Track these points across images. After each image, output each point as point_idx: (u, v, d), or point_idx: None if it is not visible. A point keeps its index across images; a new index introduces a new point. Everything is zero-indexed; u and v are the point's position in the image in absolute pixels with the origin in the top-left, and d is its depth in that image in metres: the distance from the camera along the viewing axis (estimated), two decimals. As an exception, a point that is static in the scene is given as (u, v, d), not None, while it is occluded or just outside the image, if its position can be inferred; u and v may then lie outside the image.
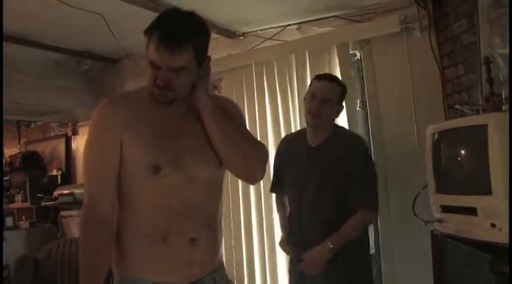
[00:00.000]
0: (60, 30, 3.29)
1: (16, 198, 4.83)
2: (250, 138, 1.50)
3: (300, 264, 2.26)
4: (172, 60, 1.29)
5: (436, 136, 1.96)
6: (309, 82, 3.14)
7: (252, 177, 1.55)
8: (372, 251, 2.60)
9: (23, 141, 5.29)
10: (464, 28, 2.50)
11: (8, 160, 5.08)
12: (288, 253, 2.51)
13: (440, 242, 2.00)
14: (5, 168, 5.00)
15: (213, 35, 1.44)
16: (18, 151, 5.16)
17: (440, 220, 1.91)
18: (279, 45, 3.35)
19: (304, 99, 2.35)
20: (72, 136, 4.84)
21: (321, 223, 2.21)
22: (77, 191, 4.14)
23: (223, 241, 1.54)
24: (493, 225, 1.56)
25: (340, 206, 2.20)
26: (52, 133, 5.08)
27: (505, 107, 1.78)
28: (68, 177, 4.76)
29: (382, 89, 3.08)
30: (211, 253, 1.45)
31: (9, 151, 5.27)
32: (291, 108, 3.30)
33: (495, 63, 1.95)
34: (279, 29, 3.35)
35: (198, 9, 1.38)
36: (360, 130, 3.05)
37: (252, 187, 3.37)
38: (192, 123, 1.43)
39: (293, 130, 3.10)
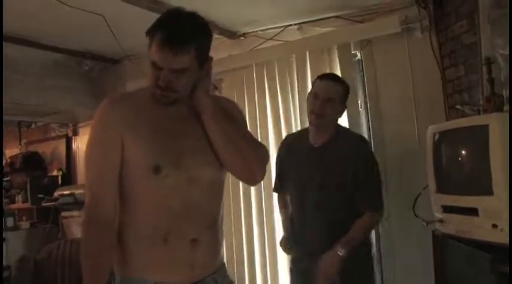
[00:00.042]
0: (61, 31, 3.28)
1: (17, 199, 4.84)
2: (250, 139, 1.50)
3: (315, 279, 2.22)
4: (174, 61, 1.29)
5: (437, 136, 1.96)
6: (309, 83, 3.15)
7: (253, 178, 1.54)
8: (373, 251, 2.59)
9: (23, 141, 5.29)
10: (465, 28, 2.50)
11: (8, 160, 5.09)
12: (288, 253, 2.51)
13: (441, 243, 2.00)
14: (6, 169, 5.01)
15: (214, 36, 1.44)
16: (19, 151, 5.16)
17: (441, 221, 1.91)
18: (279, 46, 3.35)
19: (307, 99, 2.35)
20: (73, 137, 4.84)
21: (323, 223, 2.21)
22: (77, 192, 4.15)
23: (224, 242, 1.54)
24: (494, 226, 1.56)
25: (343, 206, 2.20)
26: (53, 134, 5.08)
27: (506, 107, 1.77)
28: (69, 178, 4.75)
29: (382, 89, 3.08)
30: (213, 253, 1.45)
31: (10, 151, 5.28)
32: (291, 109, 3.30)
33: (496, 63, 1.95)
34: (280, 29, 3.34)
35: (198, 10, 1.37)
36: (361, 131, 3.05)
37: (252, 188, 3.37)
38: (193, 124, 1.43)
39: (294, 131, 3.10)
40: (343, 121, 2.82)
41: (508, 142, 1.51)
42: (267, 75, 3.41)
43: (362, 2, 3.03)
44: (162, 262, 1.36)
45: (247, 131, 1.56)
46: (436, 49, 2.84)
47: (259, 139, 3.00)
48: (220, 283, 1.46)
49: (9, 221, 4.25)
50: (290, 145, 2.47)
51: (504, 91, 1.84)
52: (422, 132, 2.35)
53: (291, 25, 3.31)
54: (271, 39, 3.39)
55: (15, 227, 4.32)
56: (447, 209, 1.86)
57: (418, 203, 2.18)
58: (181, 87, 1.35)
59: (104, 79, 4.20)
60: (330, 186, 2.21)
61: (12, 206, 4.74)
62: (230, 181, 3.22)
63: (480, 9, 2.19)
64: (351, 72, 3.08)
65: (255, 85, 3.44)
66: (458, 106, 2.37)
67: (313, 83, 2.41)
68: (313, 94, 2.28)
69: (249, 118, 3.26)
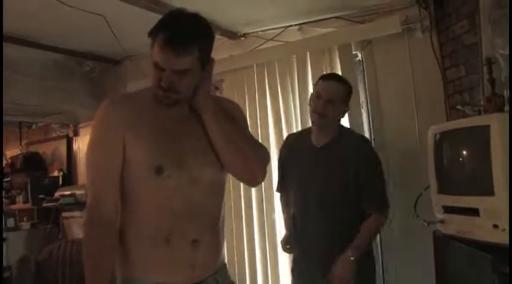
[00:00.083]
0: (61, 31, 3.28)
1: (17, 199, 4.84)
2: (251, 140, 1.50)
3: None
4: (176, 62, 1.29)
5: (438, 136, 1.96)
6: (310, 83, 3.16)
7: (253, 179, 1.54)
8: (374, 252, 2.59)
9: (24, 142, 5.29)
10: (465, 29, 2.50)
11: (9, 161, 5.09)
12: (289, 252, 2.51)
13: (442, 243, 2.00)
14: (7, 169, 5.01)
15: (215, 36, 1.44)
16: (19, 152, 5.17)
17: (442, 221, 1.91)
18: (280, 46, 3.35)
19: (310, 99, 2.35)
20: (74, 138, 4.85)
21: (325, 223, 2.21)
22: (78, 192, 4.16)
23: (225, 242, 1.54)
24: (495, 226, 1.56)
25: (345, 206, 2.20)
26: (53, 135, 5.08)
27: (506, 108, 1.77)
28: (69, 178, 4.76)
29: (383, 90, 3.08)
30: (214, 254, 1.45)
31: (11, 152, 5.29)
32: (292, 109, 3.30)
33: (497, 63, 1.95)
34: (281, 29, 3.34)
35: (199, 10, 1.37)
36: (361, 131, 3.05)
37: (253, 189, 3.37)
38: (193, 124, 1.43)
39: (294, 131, 3.10)
40: (344, 121, 2.82)
41: (508, 143, 1.51)
42: (267, 76, 3.41)
43: (362, 3, 3.03)
44: (164, 262, 1.36)
45: (248, 132, 1.56)
46: (437, 49, 2.84)
47: (260, 140, 3.01)
48: (221, 283, 1.46)
49: (10, 222, 4.25)
50: (292, 145, 2.47)
51: (505, 92, 1.84)
52: (423, 132, 2.35)
53: (291, 26, 3.31)
54: (271, 39, 3.39)
55: (16, 228, 4.32)
56: (448, 209, 1.87)
57: (419, 203, 2.19)
58: (183, 88, 1.35)
59: (104, 79, 4.20)
60: (333, 186, 2.21)
61: (13, 206, 4.74)
62: (231, 183, 3.21)
63: (481, 9, 2.19)
64: (352, 72, 3.08)
65: (256, 85, 3.44)
66: (459, 107, 2.37)
67: (315, 83, 2.40)
68: (316, 94, 2.28)
69: (250, 118, 3.26)
